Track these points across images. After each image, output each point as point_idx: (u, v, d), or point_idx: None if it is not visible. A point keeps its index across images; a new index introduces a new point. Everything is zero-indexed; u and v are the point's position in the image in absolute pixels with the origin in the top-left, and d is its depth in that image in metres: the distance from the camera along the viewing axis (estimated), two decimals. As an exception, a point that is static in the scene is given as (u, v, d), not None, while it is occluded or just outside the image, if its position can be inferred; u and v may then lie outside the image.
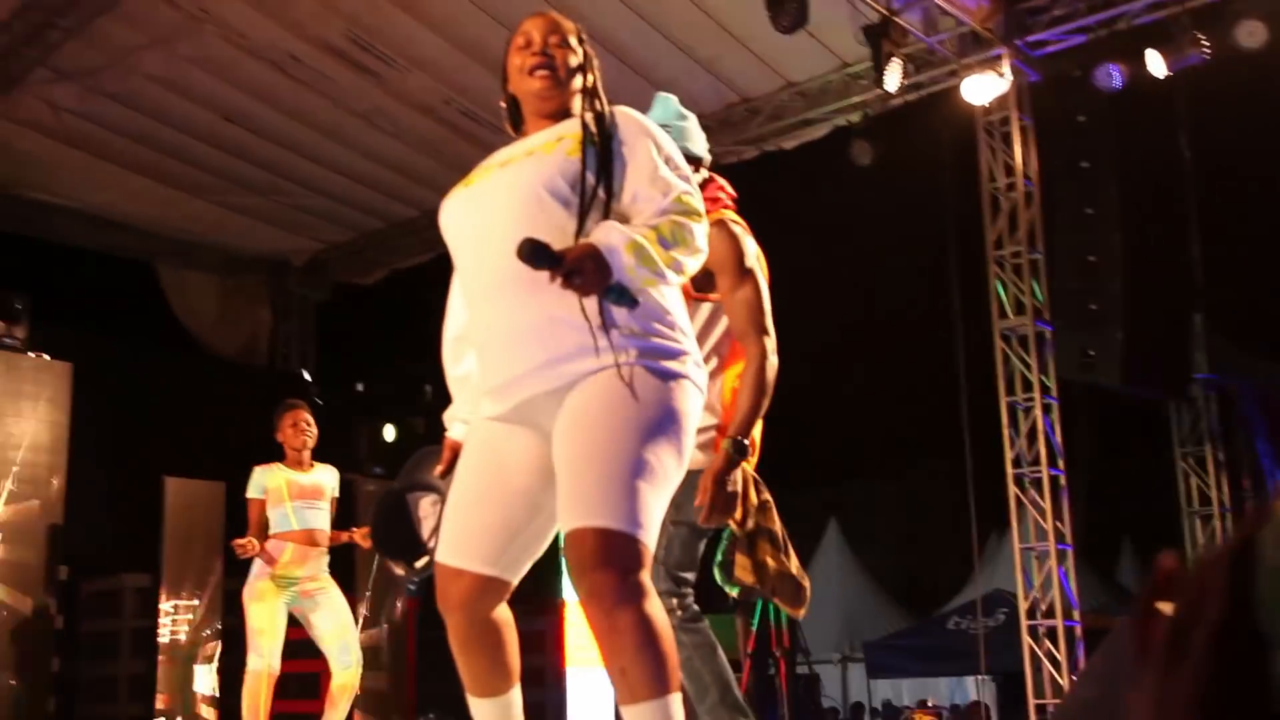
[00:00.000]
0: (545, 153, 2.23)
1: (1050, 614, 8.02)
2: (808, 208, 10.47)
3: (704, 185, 3.11)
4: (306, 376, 11.68)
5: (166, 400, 9.72)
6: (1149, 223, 8.64)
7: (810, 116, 9.44)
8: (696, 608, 2.96)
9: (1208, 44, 7.77)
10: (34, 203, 10.24)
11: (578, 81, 2.36)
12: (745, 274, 2.98)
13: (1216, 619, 0.69)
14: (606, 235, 2.07)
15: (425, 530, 2.38)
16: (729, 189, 3.21)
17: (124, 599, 8.25)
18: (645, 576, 2.03)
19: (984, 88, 8.40)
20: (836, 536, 16.15)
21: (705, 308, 3.03)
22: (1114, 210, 8.39)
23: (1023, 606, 8.16)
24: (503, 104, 2.44)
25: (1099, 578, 13.25)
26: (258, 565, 5.53)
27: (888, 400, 15.58)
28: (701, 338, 2.93)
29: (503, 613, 2.31)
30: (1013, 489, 8.28)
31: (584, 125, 2.25)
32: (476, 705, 2.33)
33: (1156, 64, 7.93)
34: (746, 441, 2.84)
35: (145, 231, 11.00)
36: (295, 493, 5.61)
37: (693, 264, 2.19)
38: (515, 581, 2.28)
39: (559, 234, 2.09)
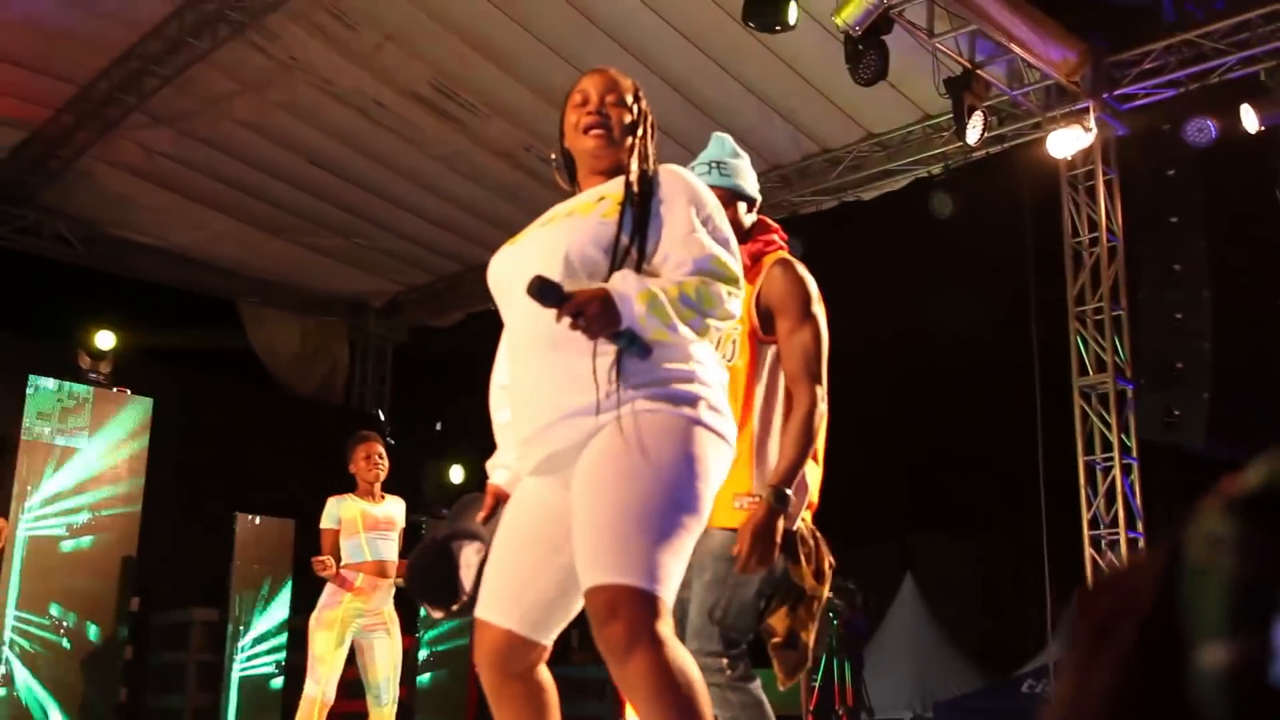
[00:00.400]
0: (583, 215, 2.25)
1: (1128, 683, 7.76)
2: (886, 259, 10.39)
3: (754, 228, 3.11)
4: (381, 416, 11.79)
5: (242, 436, 9.91)
6: (1241, 279, 8.41)
7: (890, 168, 9.41)
8: (746, 668, 2.87)
9: (1304, 99, 7.62)
10: (123, 241, 10.52)
11: (630, 140, 2.37)
12: (807, 318, 2.92)
13: (1142, 613, 0.70)
14: (622, 282, 2.09)
15: (467, 578, 2.33)
16: (782, 233, 3.17)
17: (192, 632, 8.35)
18: (660, 626, 1.99)
19: (1069, 141, 8.30)
20: (912, 590, 15.86)
21: (770, 351, 2.95)
22: (1202, 266, 8.20)
23: (1098, 675, 7.91)
24: (554, 156, 2.47)
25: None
26: (328, 594, 5.57)
27: (967, 454, 15.33)
28: (770, 384, 2.92)
29: (540, 675, 2.27)
30: (1089, 551, 8.11)
31: (626, 186, 2.27)
32: None
33: (1250, 119, 7.80)
34: (788, 491, 2.78)
35: (228, 271, 11.23)
36: (369, 524, 5.65)
37: (715, 325, 2.18)
38: (546, 643, 2.25)
39: (576, 276, 2.16)
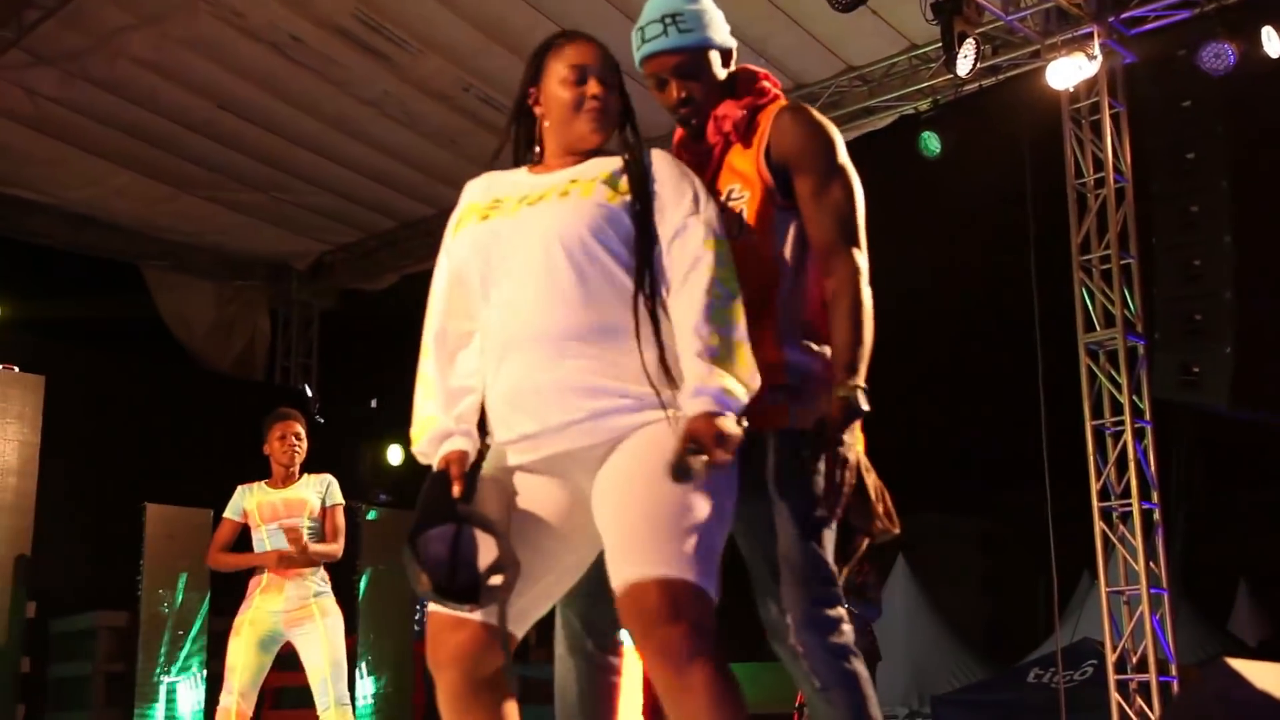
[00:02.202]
0: (584, 195, 2.36)
1: (1142, 667, 7.88)
2: (870, 206, 10.43)
3: (737, 81, 2.81)
4: (308, 392, 11.86)
5: (151, 418, 9.82)
6: (1265, 222, 8.46)
7: (872, 104, 9.43)
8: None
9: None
10: (7, 199, 10.39)
11: (622, 124, 2.51)
12: (834, 171, 2.65)
13: None
14: (704, 386, 2.25)
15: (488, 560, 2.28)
16: (773, 79, 2.88)
17: (98, 640, 8.24)
18: (712, 629, 2.13)
19: (1071, 71, 8.31)
20: (905, 575, 16.02)
21: (792, 221, 2.68)
22: (1224, 208, 8.23)
23: (1110, 658, 8.04)
24: (511, 124, 2.55)
25: (1209, 627, 12.99)
26: (246, 597, 5.58)
27: (963, 423, 15.47)
28: (797, 260, 2.66)
29: (506, 678, 2.32)
30: (1099, 525, 8.17)
31: (629, 174, 2.40)
32: None
33: (1273, 43, 7.83)
34: (864, 386, 2.51)
35: (131, 231, 11.14)
36: (267, 515, 5.65)
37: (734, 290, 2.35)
38: (520, 637, 2.33)
39: (610, 288, 2.30)
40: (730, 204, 2.64)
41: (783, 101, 2.77)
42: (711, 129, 2.74)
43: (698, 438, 2.13)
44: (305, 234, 11.71)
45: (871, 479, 2.65)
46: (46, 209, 10.58)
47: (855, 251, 2.62)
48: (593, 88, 2.44)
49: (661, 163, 2.45)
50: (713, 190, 2.62)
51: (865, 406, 2.49)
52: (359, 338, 12.14)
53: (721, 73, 2.78)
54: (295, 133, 10.00)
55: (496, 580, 2.21)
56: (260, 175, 10.56)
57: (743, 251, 2.52)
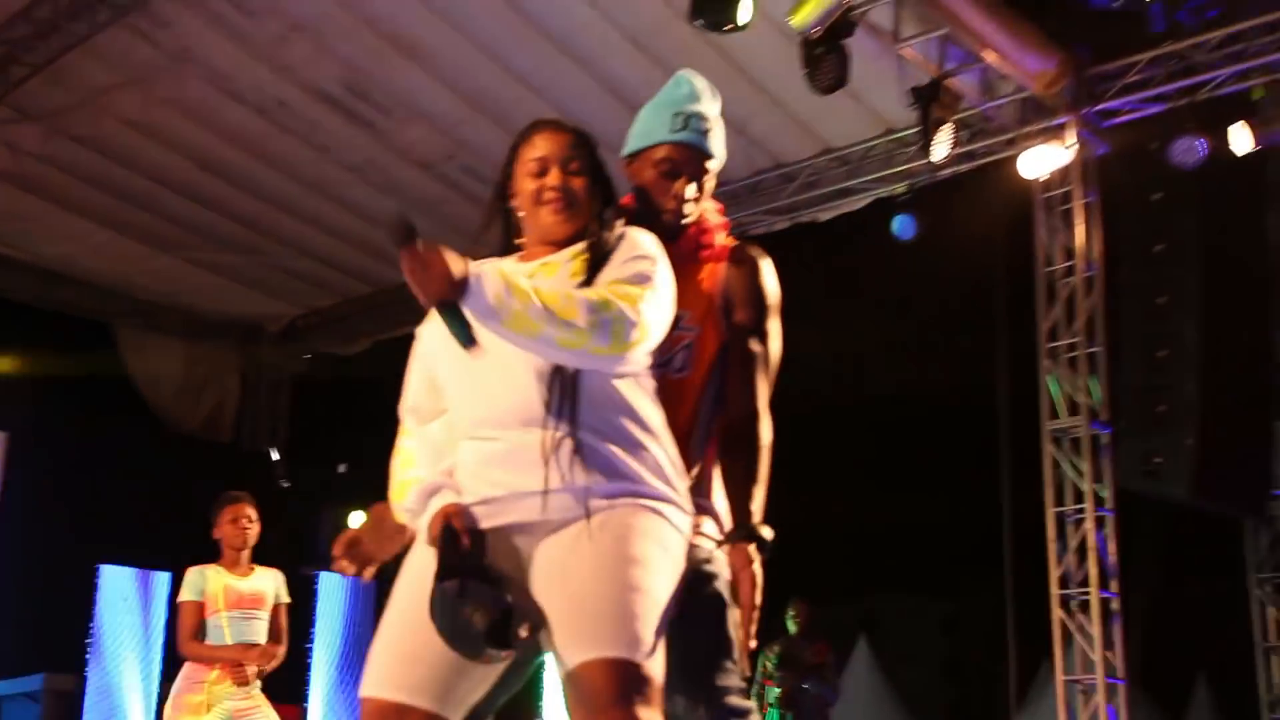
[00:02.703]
0: (547, 278, 2.35)
1: (1101, 758, 7.80)
2: (843, 287, 10.46)
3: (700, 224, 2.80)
4: (275, 456, 11.81)
5: (114, 477, 9.75)
6: (1230, 315, 8.52)
7: (849, 185, 9.45)
8: None
9: (1300, 117, 7.78)
10: (-19, 253, 10.35)
11: (594, 207, 2.47)
12: (776, 336, 2.71)
13: None
14: (489, 263, 2.26)
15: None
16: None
17: (44, 703, 8.05)
18: (657, 712, 2.14)
19: (1044, 160, 8.38)
20: (866, 655, 15.96)
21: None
22: (1190, 300, 8.30)
23: (1066, 749, 7.99)
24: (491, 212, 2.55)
25: (1166, 719, 12.92)
26: (185, 675, 5.52)
27: (926, 505, 15.42)
28: (717, 400, 2.69)
29: None
30: (1058, 612, 8.11)
31: (590, 252, 2.39)
32: None
33: (1241, 138, 7.91)
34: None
35: (105, 289, 11.10)
36: (232, 601, 5.61)
37: (598, 336, 2.20)
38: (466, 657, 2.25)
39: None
40: (678, 333, 2.57)
41: (731, 240, 2.78)
42: (690, 235, 2.72)
43: (424, 253, 2.14)
44: (280, 297, 11.67)
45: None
46: (19, 265, 10.50)
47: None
48: (552, 179, 2.44)
49: (629, 239, 2.42)
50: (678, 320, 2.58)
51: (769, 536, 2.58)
52: (329, 402, 12.07)
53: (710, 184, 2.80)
54: (276, 196, 10.00)
55: (524, 631, 2.18)
56: (239, 237, 10.52)
57: (675, 388, 2.56)
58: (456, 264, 2.12)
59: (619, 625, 2.14)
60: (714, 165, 2.74)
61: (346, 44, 8.25)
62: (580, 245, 2.42)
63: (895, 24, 7.67)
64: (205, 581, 5.60)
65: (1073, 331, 8.36)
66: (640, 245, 2.40)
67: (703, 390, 2.64)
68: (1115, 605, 8.01)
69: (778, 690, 8.57)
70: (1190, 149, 7.88)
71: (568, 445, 2.26)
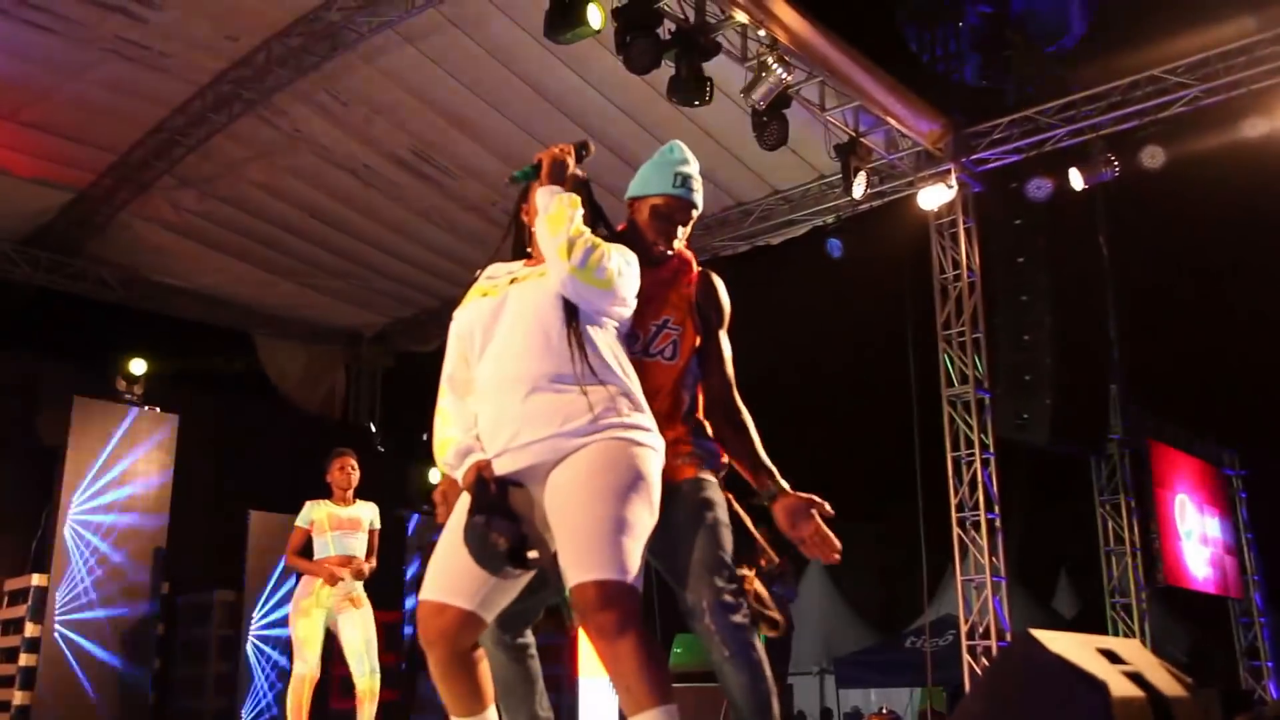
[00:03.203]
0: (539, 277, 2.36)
1: (987, 635, 7.88)
2: (791, 294, 10.51)
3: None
4: (373, 428, 11.67)
5: (255, 447, 9.72)
6: (1074, 307, 8.61)
7: (793, 218, 9.48)
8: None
9: (1118, 163, 7.85)
10: (155, 283, 10.39)
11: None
12: (726, 333, 2.75)
13: None
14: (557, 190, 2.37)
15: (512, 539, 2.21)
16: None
17: (214, 611, 8.24)
18: (636, 610, 2.10)
19: (935, 196, 8.43)
20: (818, 568, 15.89)
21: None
22: (1044, 297, 8.36)
23: (963, 629, 8.00)
24: (510, 227, 2.51)
25: (1036, 605, 13.01)
26: (301, 586, 5.53)
27: (859, 454, 15.46)
28: (694, 383, 2.67)
29: (477, 651, 2.29)
30: (956, 530, 8.16)
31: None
32: None
33: (1076, 179, 8.01)
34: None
35: (245, 308, 11.09)
36: (335, 524, 5.60)
37: (593, 270, 2.27)
38: (490, 619, 2.26)
39: (565, 345, 2.26)
40: (665, 331, 2.61)
41: (696, 266, 2.77)
42: (672, 263, 2.71)
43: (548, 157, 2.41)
44: (372, 310, 11.63)
45: (754, 529, 2.69)
46: (184, 291, 10.54)
47: None
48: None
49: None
50: (659, 310, 2.62)
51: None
52: (411, 387, 12.08)
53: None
54: (366, 235, 9.99)
55: (533, 554, 2.17)
56: (340, 267, 10.53)
57: (666, 370, 2.58)
58: (562, 172, 2.35)
59: (605, 551, 2.09)
60: (696, 214, 2.74)
61: (415, 121, 8.33)
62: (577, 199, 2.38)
63: (821, 98, 7.72)
64: (313, 511, 5.61)
65: (961, 322, 8.40)
66: (617, 246, 2.39)
67: (684, 371, 2.63)
68: (998, 524, 8.07)
69: None
70: (1040, 187, 8.00)
71: (566, 395, 2.21)
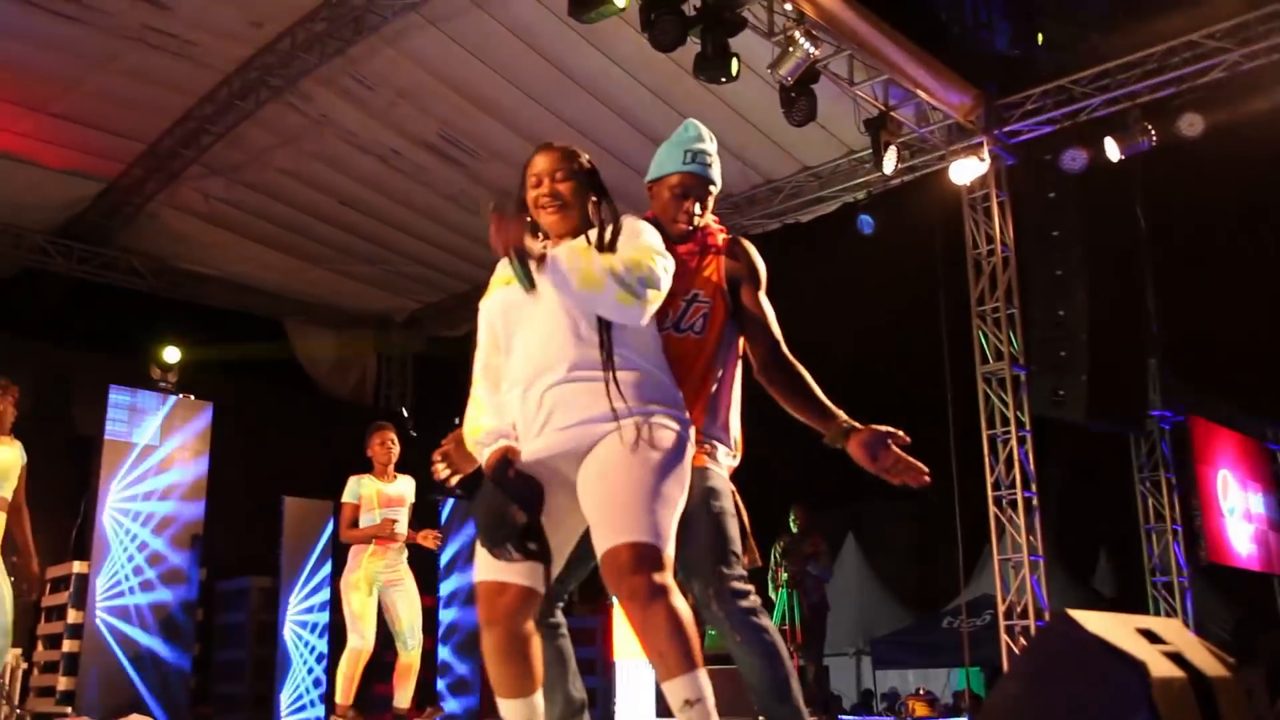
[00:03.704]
0: None
1: (1025, 615, 7.85)
2: (822, 271, 10.44)
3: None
4: (405, 413, 11.69)
5: (288, 432, 9.82)
6: (1110, 282, 8.50)
7: (823, 195, 9.44)
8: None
9: (1155, 132, 7.72)
10: (186, 272, 10.50)
11: (584, 202, 2.41)
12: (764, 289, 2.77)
13: None
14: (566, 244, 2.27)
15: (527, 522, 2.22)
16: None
17: (251, 596, 8.34)
18: (668, 577, 2.10)
19: (968, 170, 8.37)
20: (854, 548, 15.89)
21: (730, 326, 2.75)
22: (1080, 272, 8.26)
23: (1001, 609, 7.97)
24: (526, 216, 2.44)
25: (1076, 585, 12.90)
26: (351, 561, 5.61)
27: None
28: (730, 355, 2.72)
29: (532, 628, 2.31)
30: (993, 509, 8.13)
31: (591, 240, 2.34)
32: (507, 706, 2.30)
33: (1112, 150, 7.90)
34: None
35: (275, 295, 11.18)
36: (383, 501, 5.68)
37: (638, 288, 2.21)
38: (543, 592, 2.28)
39: (593, 334, 2.27)
40: (695, 305, 2.65)
41: (725, 234, 2.80)
42: (698, 239, 2.74)
43: (506, 216, 2.23)
44: (403, 295, 11.69)
45: (744, 518, 2.70)
46: (215, 279, 10.64)
47: None
48: (544, 189, 2.37)
49: (629, 224, 2.37)
50: (688, 286, 2.64)
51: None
52: (443, 372, 12.13)
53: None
54: (395, 220, 10.03)
55: (533, 545, 2.16)
56: (370, 252, 10.58)
57: (696, 345, 2.62)
58: (532, 242, 2.20)
59: (639, 516, 2.11)
60: (714, 189, 2.77)
61: (441, 105, 8.35)
62: (582, 237, 2.34)
63: (850, 72, 7.66)
64: (360, 487, 5.67)
65: (995, 298, 8.37)
66: (640, 228, 2.35)
67: (716, 347, 2.65)
68: (1035, 502, 8.04)
69: (785, 574, 8.57)
70: (1075, 158, 7.90)
71: (597, 383, 2.23)
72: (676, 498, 2.20)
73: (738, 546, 2.57)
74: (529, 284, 2.20)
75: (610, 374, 2.23)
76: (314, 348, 11.65)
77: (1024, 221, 8.55)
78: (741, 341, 2.76)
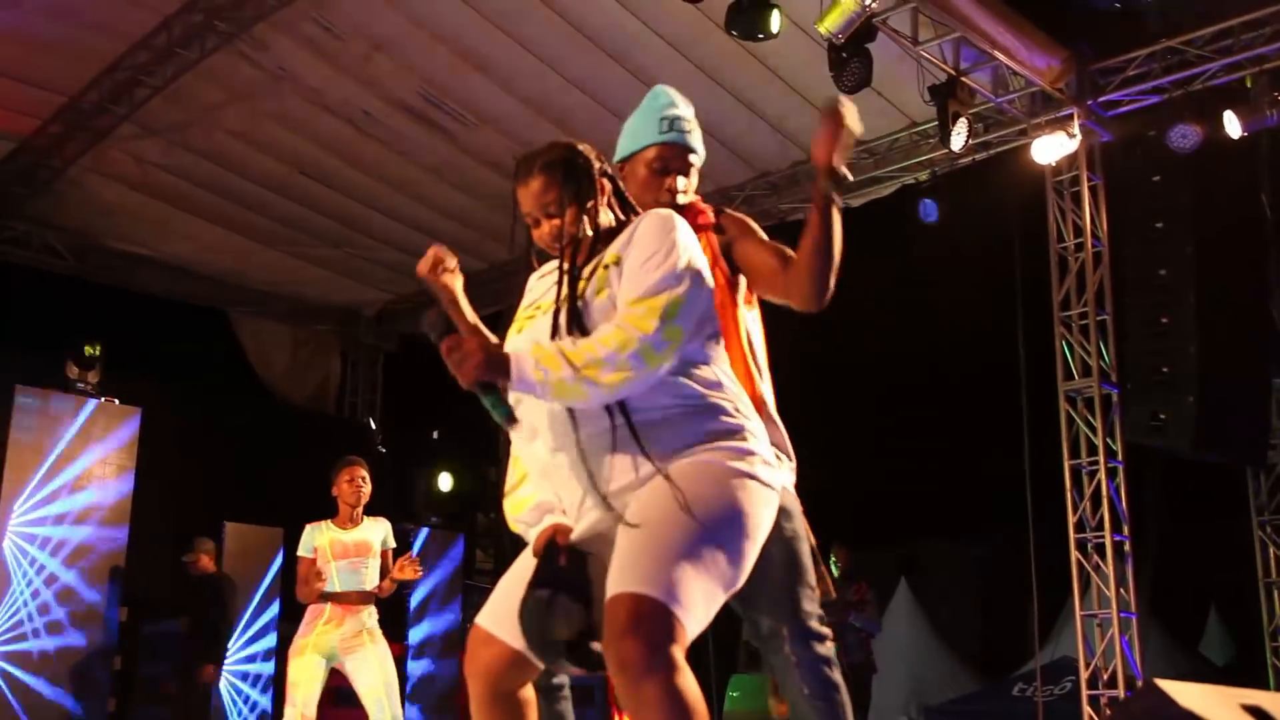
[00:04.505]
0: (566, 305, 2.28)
1: (1113, 683, 7.77)
2: (874, 266, 10.39)
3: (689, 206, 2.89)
4: (372, 425, 11.82)
5: (233, 446, 9.87)
6: (1226, 283, 8.40)
7: (877, 174, 9.42)
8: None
9: (1287, 104, 7.64)
10: (115, 252, 10.52)
11: (584, 220, 2.35)
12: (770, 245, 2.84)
13: None
14: (526, 345, 2.15)
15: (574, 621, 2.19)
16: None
17: (180, 642, 8.19)
18: (678, 651, 1.97)
19: (1053, 147, 8.31)
20: (907, 596, 15.83)
21: (747, 315, 2.87)
22: (1189, 271, 8.17)
23: (1083, 675, 7.91)
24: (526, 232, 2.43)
25: (1181, 649, 12.76)
26: (303, 625, 5.56)
27: (957, 462, 15.29)
28: (754, 347, 2.84)
29: (527, 693, 2.30)
30: (1075, 554, 8.09)
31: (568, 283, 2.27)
32: None
33: (1232, 125, 7.82)
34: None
35: (221, 281, 11.22)
36: (339, 552, 5.63)
37: (646, 355, 2.09)
38: (543, 665, 2.25)
39: None
40: None
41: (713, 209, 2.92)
42: (686, 217, 2.73)
43: (461, 343, 2.11)
44: (373, 285, 11.73)
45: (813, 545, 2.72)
46: (149, 261, 10.67)
47: None
48: (543, 229, 2.36)
49: (637, 241, 2.26)
50: None
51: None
52: (418, 377, 12.19)
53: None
54: (366, 196, 10.06)
55: (598, 647, 2.07)
56: (335, 233, 10.61)
57: None
58: (493, 349, 2.09)
59: (657, 568, 2.00)
60: (696, 160, 2.85)
61: (422, 59, 8.33)
62: (592, 264, 2.29)
63: (913, 29, 7.57)
64: (314, 538, 5.63)
65: (1083, 302, 8.33)
66: (649, 243, 2.23)
67: (730, 337, 2.69)
68: (1127, 547, 7.98)
69: None
70: (1186, 135, 7.81)
71: (626, 436, 2.15)
72: (725, 568, 2.07)
73: (813, 579, 2.58)
74: (509, 420, 2.12)
75: (627, 424, 2.14)
76: (266, 345, 11.70)
77: (1121, 210, 8.48)
78: (759, 327, 2.85)
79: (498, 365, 2.07)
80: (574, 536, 2.24)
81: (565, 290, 2.25)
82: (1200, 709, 2.23)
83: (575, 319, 2.20)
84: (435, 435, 12.43)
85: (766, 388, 2.82)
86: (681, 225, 2.25)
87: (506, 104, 8.69)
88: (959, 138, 7.85)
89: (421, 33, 8.06)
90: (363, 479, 5.72)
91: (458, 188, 9.85)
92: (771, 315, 3.02)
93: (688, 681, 1.96)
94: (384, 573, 5.69)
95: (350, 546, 5.63)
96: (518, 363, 2.08)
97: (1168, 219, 8.23)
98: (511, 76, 8.44)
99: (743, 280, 2.86)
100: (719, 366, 2.26)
